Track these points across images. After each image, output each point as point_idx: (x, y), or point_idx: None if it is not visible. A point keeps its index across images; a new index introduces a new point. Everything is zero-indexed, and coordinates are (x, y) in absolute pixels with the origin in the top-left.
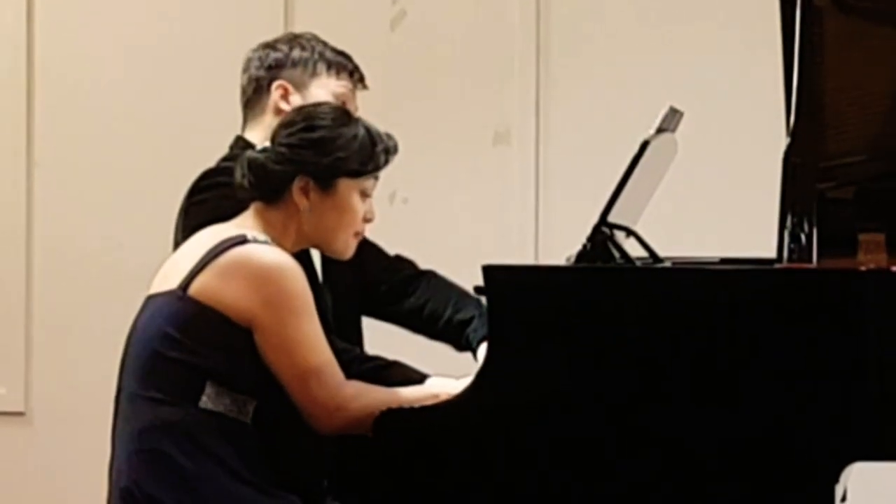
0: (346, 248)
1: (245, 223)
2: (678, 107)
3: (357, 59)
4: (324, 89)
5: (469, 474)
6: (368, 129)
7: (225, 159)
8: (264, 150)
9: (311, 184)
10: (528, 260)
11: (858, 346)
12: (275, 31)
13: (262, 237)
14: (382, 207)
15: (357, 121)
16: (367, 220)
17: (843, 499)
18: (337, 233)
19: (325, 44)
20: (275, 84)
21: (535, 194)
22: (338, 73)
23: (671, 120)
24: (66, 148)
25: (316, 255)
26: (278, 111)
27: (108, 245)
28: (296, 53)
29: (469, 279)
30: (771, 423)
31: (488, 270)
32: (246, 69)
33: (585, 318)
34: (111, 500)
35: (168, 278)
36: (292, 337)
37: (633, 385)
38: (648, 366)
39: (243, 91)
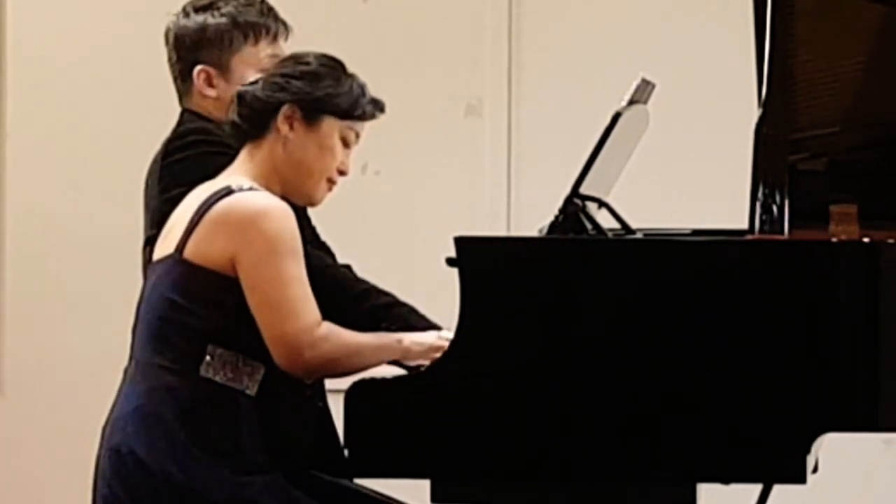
0: (317, 192)
1: (234, 172)
2: (650, 78)
3: (329, 32)
4: (246, 65)
5: (442, 445)
6: (361, 84)
7: (180, 129)
8: (255, 81)
9: (298, 113)
10: (500, 231)
11: (829, 318)
12: None
13: (247, 184)
14: (354, 179)
15: (352, 74)
16: (341, 171)
17: (815, 469)
18: (312, 172)
19: (237, 2)
20: (196, 70)
21: (507, 166)
22: (256, 40)
23: (643, 91)
24: (37, 118)
25: None
26: (204, 97)
27: (80, 216)
28: (211, 24)
29: (441, 251)
30: (742, 394)
31: (460, 242)
32: (167, 41)
33: (557, 289)
34: (100, 457)
35: (167, 243)
36: (272, 275)
37: (604, 356)
38: (619, 337)
39: (171, 66)
